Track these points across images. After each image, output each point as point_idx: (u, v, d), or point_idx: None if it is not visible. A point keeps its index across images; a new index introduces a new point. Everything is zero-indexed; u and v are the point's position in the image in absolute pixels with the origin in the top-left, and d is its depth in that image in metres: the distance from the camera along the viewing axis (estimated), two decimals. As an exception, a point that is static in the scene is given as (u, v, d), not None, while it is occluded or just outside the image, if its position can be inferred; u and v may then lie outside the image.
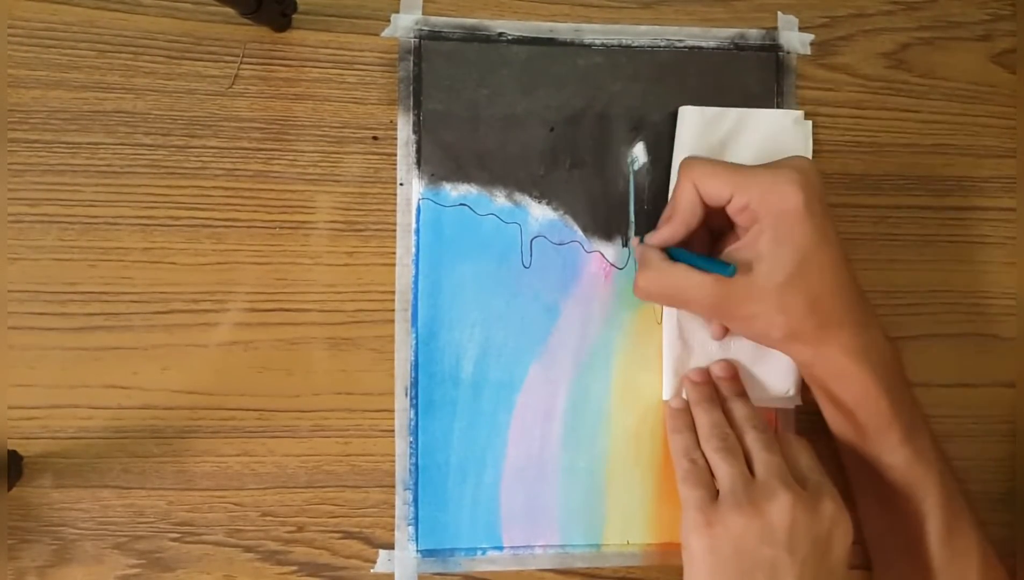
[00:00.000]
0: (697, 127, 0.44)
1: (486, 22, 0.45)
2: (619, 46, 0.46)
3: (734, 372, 0.44)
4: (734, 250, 0.40)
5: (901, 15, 0.48)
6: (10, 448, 0.41)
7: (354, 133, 0.44)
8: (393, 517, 0.43)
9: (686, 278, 0.39)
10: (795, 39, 0.47)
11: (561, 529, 0.44)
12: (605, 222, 0.45)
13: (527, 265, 0.45)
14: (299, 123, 0.44)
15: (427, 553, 0.43)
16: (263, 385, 0.43)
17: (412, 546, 0.43)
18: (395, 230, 0.44)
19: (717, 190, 0.39)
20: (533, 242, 0.45)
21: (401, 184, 0.44)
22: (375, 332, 0.44)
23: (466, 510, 0.44)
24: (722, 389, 0.43)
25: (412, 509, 0.43)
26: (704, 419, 0.42)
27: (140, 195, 0.43)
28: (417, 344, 0.44)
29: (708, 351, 0.44)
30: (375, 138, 0.45)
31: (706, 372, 0.44)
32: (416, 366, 0.44)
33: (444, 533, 0.43)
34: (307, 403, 0.43)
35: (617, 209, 0.45)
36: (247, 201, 0.44)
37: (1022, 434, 0.47)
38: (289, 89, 0.44)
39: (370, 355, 0.44)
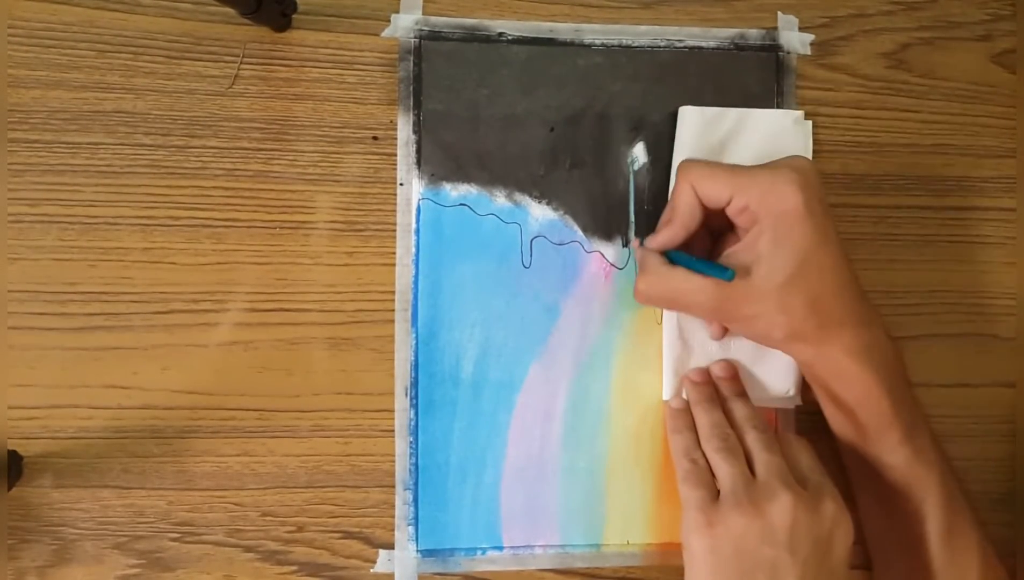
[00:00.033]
0: (697, 127, 0.44)
1: (486, 22, 0.45)
2: (619, 46, 0.46)
3: (734, 372, 0.44)
4: (734, 252, 0.40)
5: (901, 15, 0.48)
6: (10, 448, 0.41)
7: (354, 133, 0.44)
8: (393, 517, 0.43)
9: (686, 282, 0.39)
10: (795, 39, 0.47)
11: (561, 529, 0.44)
12: (605, 222, 0.45)
13: (527, 265, 0.45)
14: (299, 123, 0.44)
15: (427, 553, 0.43)
16: (263, 385, 0.43)
17: (412, 546, 0.43)
18: (395, 230, 0.44)
19: (716, 192, 0.39)
20: (533, 242, 0.45)
21: (401, 184, 0.44)
22: (375, 332, 0.44)
23: (466, 510, 0.44)
24: (722, 389, 0.43)
25: (412, 509, 0.43)
26: (704, 419, 0.42)
27: (140, 195, 0.43)
28: (417, 344, 0.44)
29: (708, 351, 0.44)
30: (375, 138, 0.45)
31: (706, 372, 0.44)
32: (416, 366, 0.44)
33: (444, 533, 0.43)
34: (307, 403, 0.43)
35: (617, 209, 0.45)
36: (247, 201, 0.44)
37: (1022, 434, 0.47)
38: (289, 89, 0.44)
39: (370, 355, 0.44)
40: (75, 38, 0.43)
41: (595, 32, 0.46)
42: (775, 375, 0.44)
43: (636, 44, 0.46)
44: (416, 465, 0.43)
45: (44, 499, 0.42)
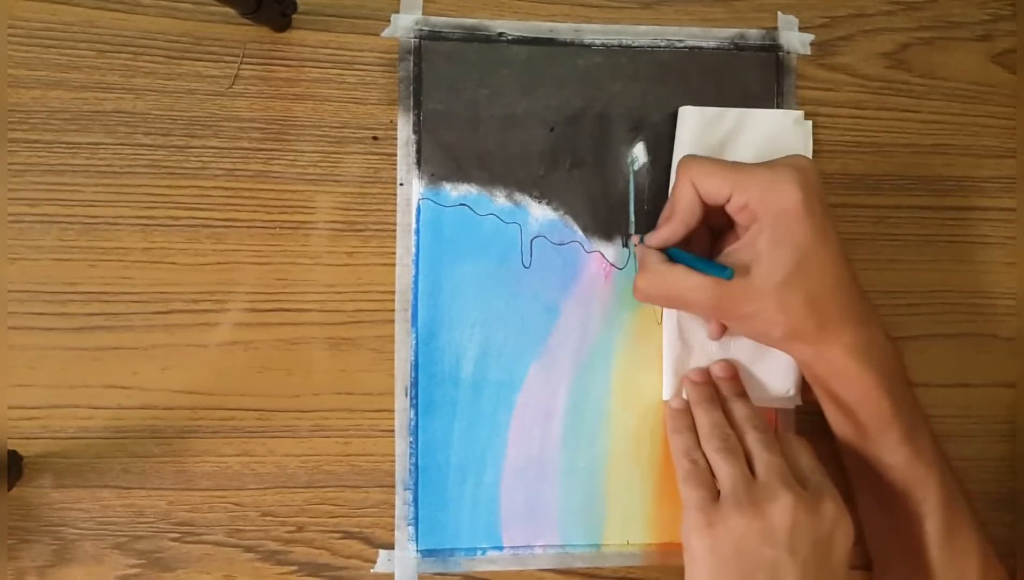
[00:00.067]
0: (697, 127, 0.44)
1: (486, 22, 0.45)
2: (619, 46, 0.46)
3: (734, 372, 0.44)
4: (733, 250, 0.40)
5: (901, 15, 0.48)
6: (10, 448, 0.41)
7: (354, 133, 0.44)
8: (393, 517, 0.43)
9: (685, 279, 0.39)
10: (795, 39, 0.47)
11: (561, 529, 0.44)
12: (605, 222, 0.45)
13: (527, 265, 0.45)
14: (299, 123, 0.44)
15: (427, 553, 0.43)
16: (263, 385, 0.43)
17: (412, 546, 0.43)
18: (395, 230, 0.44)
19: (716, 189, 0.39)
20: (533, 242, 0.45)
21: (401, 184, 0.44)
22: (375, 332, 0.44)
23: (466, 510, 0.44)
24: (722, 389, 0.43)
25: (412, 509, 0.43)
26: (705, 419, 0.42)
27: (140, 195, 0.43)
28: (417, 344, 0.44)
29: (708, 351, 0.44)
30: (375, 138, 0.45)
31: (706, 372, 0.44)
32: (416, 366, 0.44)
33: (444, 533, 0.43)
34: (307, 403, 0.43)
35: (617, 209, 0.45)
36: (247, 201, 0.44)
37: (1022, 434, 0.47)
38: (289, 89, 0.44)
39: (370, 355, 0.44)
40: (75, 38, 0.43)
41: (595, 32, 0.46)
42: (775, 375, 0.44)
43: (636, 44, 0.46)
44: (416, 465, 0.43)
45: (44, 499, 0.42)
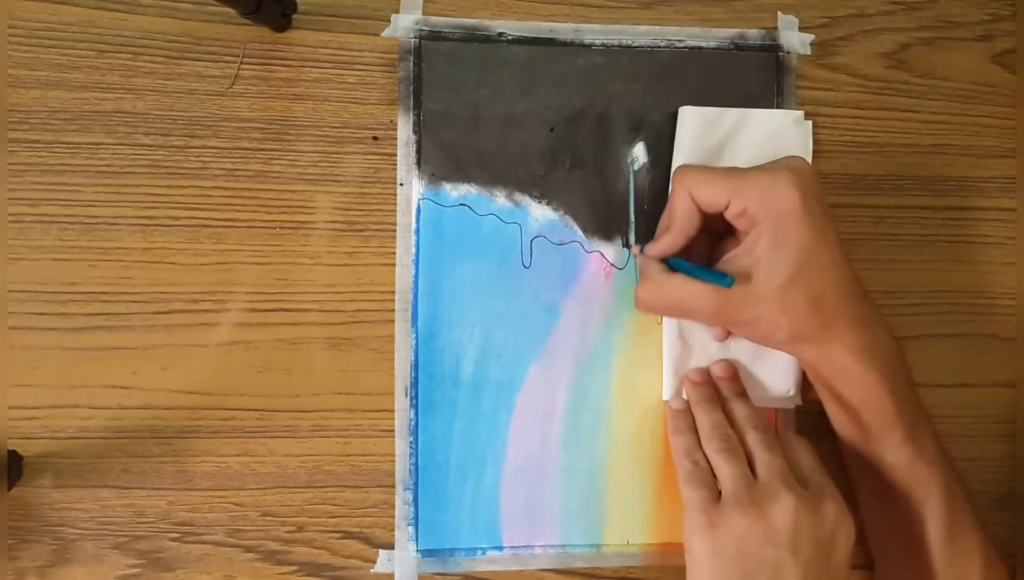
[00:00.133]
0: (697, 127, 0.44)
1: (486, 22, 0.45)
2: (619, 46, 0.46)
3: (734, 372, 0.44)
4: (734, 256, 0.40)
5: (901, 15, 0.48)
6: (10, 448, 0.41)
7: (354, 133, 0.44)
8: (393, 517, 0.43)
9: (686, 288, 0.39)
10: (795, 39, 0.47)
11: (561, 529, 0.44)
12: (605, 222, 0.45)
13: (527, 265, 0.44)
14: (299, 123, 0.44)
15: (427, 553, 0.43)
16: (263, 385, 0.43)
17: (412, 546, 0.43)
18: (395, 230, 0.44)
19: (713, 197, 0.39)
20: (533, 242, 0.45)
21: (401, 184, 0.44)
22: (375, 332, 0.44)
23: (466, 510, 0.43)
24: (722, 389, 0.43)
25: (412, 509, 0.43)
26: (705, 420, 0.41)
27: (140, 195, 0.43)
28: (417, 344, 0.44)
29: (708, 351, 0.44)
30: (375, 138, 0.45)
31: (706, 372, 0.44)
32: (416, 366, 0.44)
33: (444, 533, 0.43)
34: (307, 403, 0.43)
35: (617, 209, 0.45)
36: (247, 201, 0.44)
37: (1022, 434, 0.47)
38: (289, 89, 0.44)
39: (370, 355, 0.44)
40: (75, 38, 0.43)
41: (595, 32, 0.46)
42: (775, 375, 0.44)
43: (636, 44, 0.46)
44: (416, 465, 0.43)
45: (44, 499, 0.42)
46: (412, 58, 0.45)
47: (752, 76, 0.46)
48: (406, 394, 0.44)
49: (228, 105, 0.44)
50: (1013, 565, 0.44)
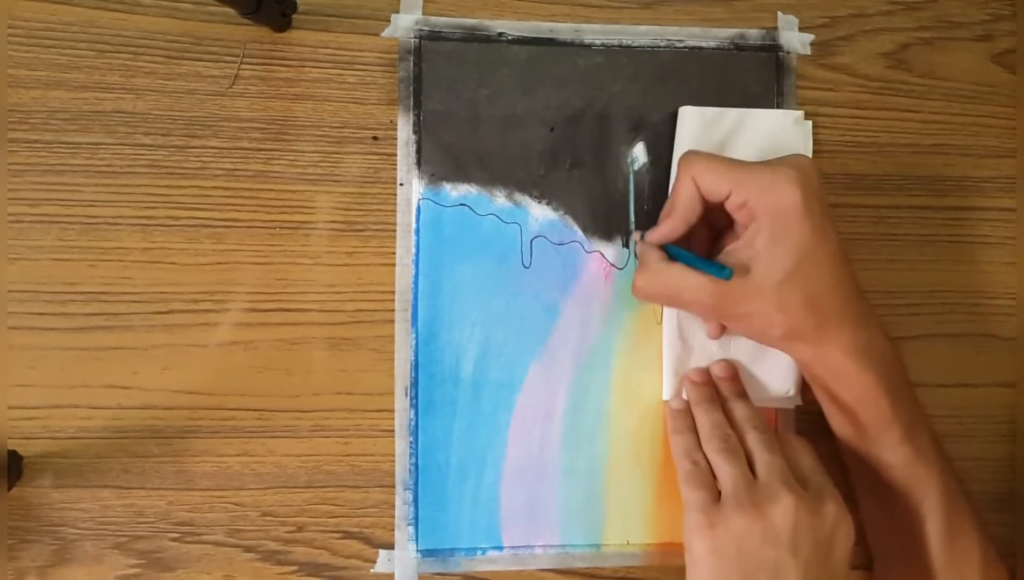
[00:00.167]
0: (697, 127, 0.44)
1: (486, 22, 0.45)
2: (619, 46, 0.46)
3: (734, 372, 0.44)
4: (733, 249, 0.40)
5: (901, 15, 0.48)
6: (10, 448, 0.41)
7: (354, 133, 0.44)
8: (393, 517, 0.43)
9: (684, 278, 0.39)
10: (795, 39, 0.47)
11: (561, 529, 0.44)
12: (605, 222, 0.45)
13: (527, 265, 0.45)
14: (299, 123, 0.44)
15: (427, 553, 0.43)
16: (263, 385, 0.43)
17: (412, 546, 0.43)
18: (395, 230, 0.44)
19: (715, 185, 0.39)
20: (533, 242, 0.45)
21: (401, 184, 0.44)
22: (375, 332, 0.44)
23: (466, 510, 0.44)
24: (722, 389, 0.43)
25: (412, 509, 0.43)
26: (705, 420, 0.41)
27: (140, 195, 0.43)
28: (417, 344, 0.44)
29: (708, 351, 0.44)
30: (375, 138, 0.45)
31: (706, 372, 0.44)
32: (416, 366, 0.44)
33: (444, 533, 0.43)
34: (307, 403, 0.43)
35: (617, 209, 0.45)
36: (247, 201, 0.44)
37: (1022, 434, 0.47)
38: (289, 89, 0.44)
39: (370, 355, 0.44)
40: (75, 38, 0.43)
41: (595, 32, 0.46)
42: (775, 375, 0.44)
43: (636, 44, 0.46)
44: (416, 465, 0.43)
45: (44, 499, 0.42)
46: (412, 58, 0.45)
47: (752, 76, 0.46)
48: (406, 394, 0.44)
49: (228, 105, 0.44)
50: (1013, 565, 0.44)
